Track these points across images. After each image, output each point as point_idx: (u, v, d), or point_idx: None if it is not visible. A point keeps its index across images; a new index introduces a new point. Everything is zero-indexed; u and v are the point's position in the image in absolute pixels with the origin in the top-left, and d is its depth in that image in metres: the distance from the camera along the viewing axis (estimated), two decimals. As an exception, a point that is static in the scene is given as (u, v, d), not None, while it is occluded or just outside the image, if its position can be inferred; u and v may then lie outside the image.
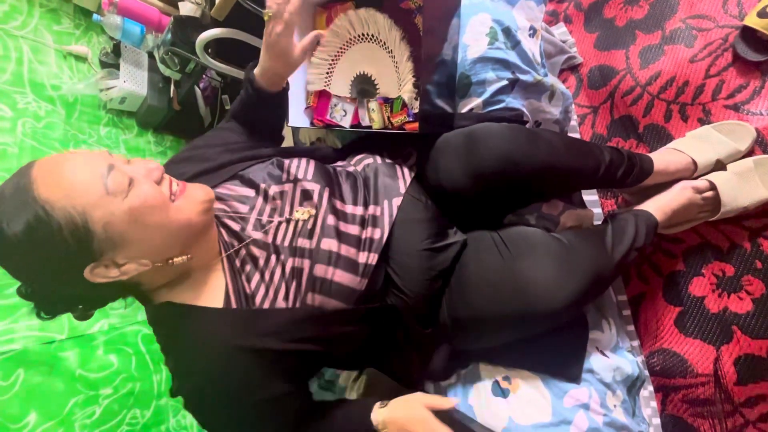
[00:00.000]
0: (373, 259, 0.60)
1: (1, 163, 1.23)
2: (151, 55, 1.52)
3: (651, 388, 0.87)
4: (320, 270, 0.57)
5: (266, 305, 0.55)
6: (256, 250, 0.58)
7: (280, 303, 0.55)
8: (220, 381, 0.51)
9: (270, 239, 0.59)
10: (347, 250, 0.59)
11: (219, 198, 0.62)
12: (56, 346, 1.18)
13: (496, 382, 0.69)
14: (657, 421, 0.85)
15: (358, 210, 0.64)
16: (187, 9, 1.27)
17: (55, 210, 0.43)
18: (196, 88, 1.57)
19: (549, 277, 0.60)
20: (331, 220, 0.61)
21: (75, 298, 0.54)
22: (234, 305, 0.54)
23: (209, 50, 1.18)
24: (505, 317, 0.62)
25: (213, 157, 0.67)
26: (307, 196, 0.62)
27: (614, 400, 0.70)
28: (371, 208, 0.64)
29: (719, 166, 0.81)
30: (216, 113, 1.69)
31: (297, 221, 0.60)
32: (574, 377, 0.67)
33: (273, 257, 0.57)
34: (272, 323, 0.54)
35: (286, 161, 0.66)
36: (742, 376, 0.78)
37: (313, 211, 0.61)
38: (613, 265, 0.69)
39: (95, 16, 1.35)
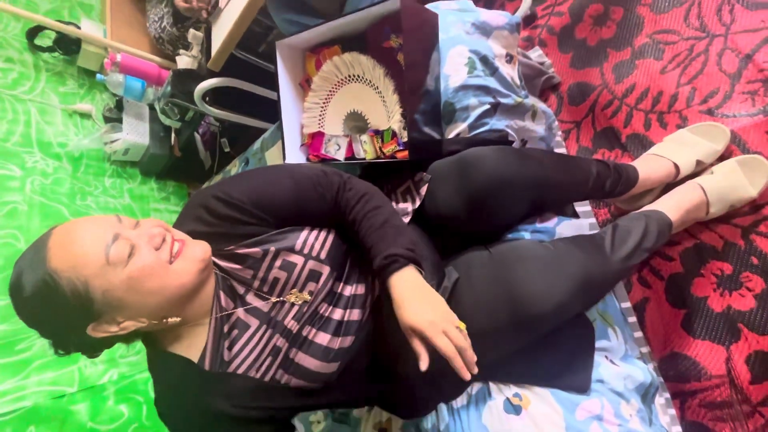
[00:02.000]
0: (349, 341, 0.63)
1: (12, 221, 1.27)
2: (152, 107, 1.60)
3: (667, 395, 0.86)
4: (293, 353, 0.60)
5: (239, 372, 0.58)
6: (251, 318, 0.59)
7: (251, 373, 0.59)
8: (184, 425, 0.58)
9: (267, 309, 0.60)
10: (322, 338, 0.61)
11: (229, 257, 0.60)
12: (67, 399, 1.18)
13: (508, 400, 0.69)
14: (678, 429, 0.83)
15: (354, 289, 0.65)
16: (184, 62, 1.35)
17: (61, 279, 0.48)
18: (196, 134, 1.64)
19: (536, 280, 0.61)
20: (322, 308, 0.62)
21: (82, 345, 0.57)
22: (207, 366, 0.57)
23: (207, 98, 1.25)
24: (501, 328, 0.63)
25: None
26: (313, 277, 0.60)
27: (629, 409, 0.69)
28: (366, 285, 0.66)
29: (700, 166, 0.84)
30: (215, 156, 1.75)
31: (291, 304, 0.61)
32: (583, 388, 0.67)
33: (264, 328, 0.60)
34: (234, 387, 0.57)
35: (305, 231, 0.62)
36: (755, 374, 0.78)
37: (308, 298, 0.60)
38: (612, 266, 0.70)
39: (99, 76, 1.43)
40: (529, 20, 1.20)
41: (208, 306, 0.58)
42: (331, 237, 0.63)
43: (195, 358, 0.57)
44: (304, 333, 0.61)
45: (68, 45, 1.56)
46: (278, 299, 0.60)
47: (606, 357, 0.74)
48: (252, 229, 0.58)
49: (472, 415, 0.72)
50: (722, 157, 0.85)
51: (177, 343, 0.58)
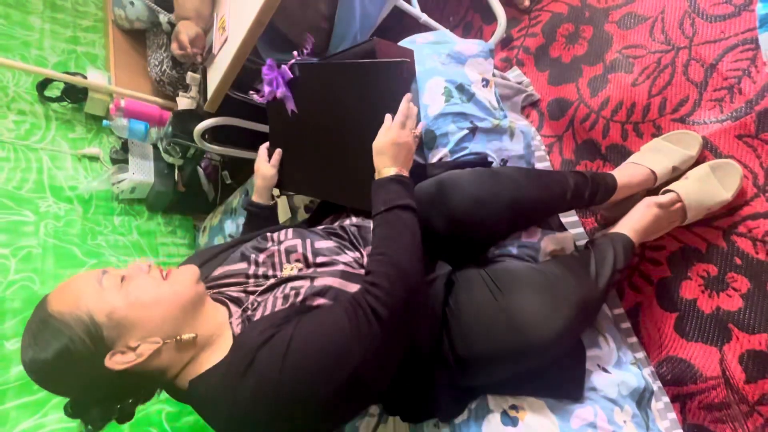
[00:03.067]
0: None
1: (28, 264, 1.33)
2: (155, 147, 1.68)
3: (666, 399, 0.87)
4: (320, 281, 0.62)
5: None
6: (260, 298, 0.64)
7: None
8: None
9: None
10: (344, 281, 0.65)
11: (219, 278, 0.69)
12: (84, 435, 1.21)
13: (504, 412, 0.71)
14: (679, 432, 0.84)
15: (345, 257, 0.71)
16: (184, 103, 1.43)
17: (65, 316, 0.51)
18: (199, 168, 1.71)
19: (538, 310, 0.64)
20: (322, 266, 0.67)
21: (110, 396, 0.57)
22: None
23: (206, 136, 1.32)
24: (502, 354, 0.65)
25: (208, 252, 0.78)
26: (290, 250, 0.70)
27: (623, 415, 0.71)
28: (352, 253, 0.71)
29: (677, 172, 0.88)
30: (218, 188, 1.82)
31: (289, 277, 0.66)
32: (577, 397, 0.69)
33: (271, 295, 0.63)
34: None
35: (269, 234, 0.76)
36: (750, 373, 0.79)
37: (301, 266, 0.67)
38: (599, 291, 0.73)
39: (105, 122, 1.52)
40: (506, 42, 1.26)
41: (221, 319, 0.60)
42: (290, 229, 0.76)
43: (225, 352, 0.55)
44: (307, 303, 0.61)
45: (76, 94, 1.66)
46: (274, 280, 0.65)
47: (598, 365, 0.76)
48: None
49: (473, 430, 0.74)
50: (697, 162, 0.88)
51: (207, 362, 0.55)
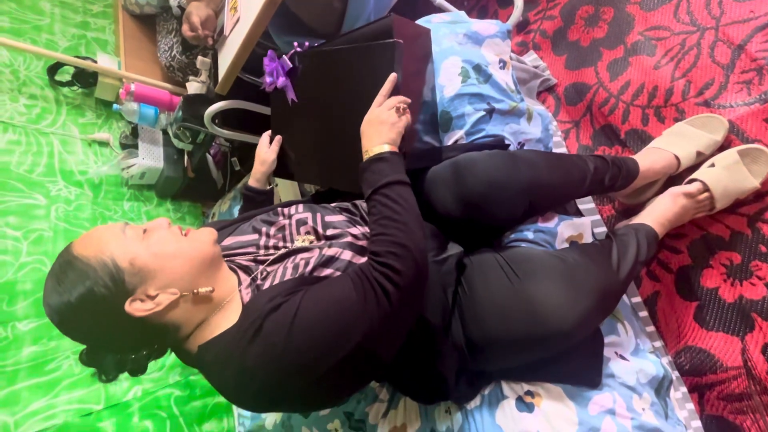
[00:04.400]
0: None
1: (39, 247, 1.34)
2: (165, 132, 1.67)
3: (684, 389, 0.85)
4: (330, 251, 0.62)
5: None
6: (269, 268, 0.64)
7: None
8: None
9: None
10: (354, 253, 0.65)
11: (230, 248, 0.69)
12: (94, 417, 1.22)
13: (520, 398, 0.70)
14: (697, 423, 0.82)
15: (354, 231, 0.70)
16: (194, 88, 1.42)
17: (90, 260, 0.53)
18: (208, 155, 1.70)
19: (557, 298, 0.62)
20: (325, 249, 0.65)
21: (125, 345, 0.59)
22: None
23: (216, 121, 1.31)
24: (518, 340, 0.64)
25: (220, 223, 0.79)
26: (301, 223, 0.70)
27: (642, 403, 0.69)
28: (361, 228, 0.70)
29: (701, 157, 0.85)
30: (227, 175, 1.81)
31: (299, 248, 0.66)
32: (595, 383, 0.67)
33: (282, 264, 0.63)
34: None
35: (280, 208, 0.76)
36: (773, 364, 0.77)
37: (312, 238, 0.67)
38: (620, 281, 0.71)
39: (114, 106, 1.51)
40: (522, 26, 1.23)
41: (234, 283, 0.61)
42: (301, 204, 0.76)
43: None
44: (315, 274, 0.61)
45: (86, 78, 1.65)
46: (285, 250, 0.66)
47: (616, 353, 0.74)
48: None
49: (485, 416, 0.73)
50: (722, 147, 0.85)
51: (218, 326, 0.56)
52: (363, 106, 0.72)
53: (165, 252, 0.55)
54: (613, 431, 0.63)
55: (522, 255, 0.71)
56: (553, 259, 0.70)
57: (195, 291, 0.56)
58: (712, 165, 0.84)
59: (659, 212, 0.82)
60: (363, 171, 0.65)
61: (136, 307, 0.53)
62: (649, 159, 0.86)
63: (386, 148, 0.65)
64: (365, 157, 0.66)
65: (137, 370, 0.62)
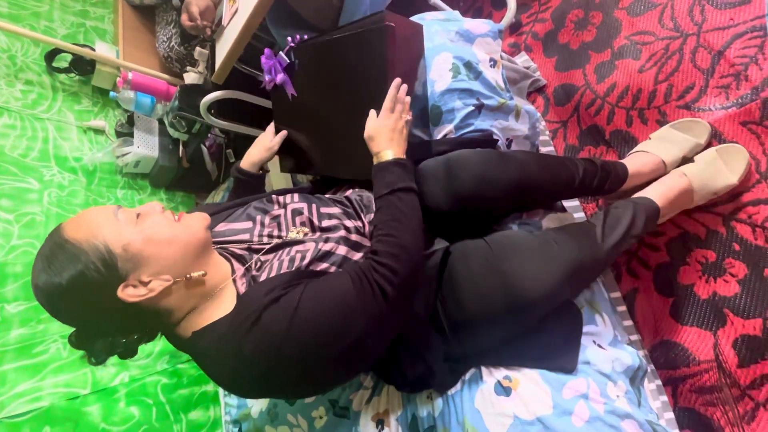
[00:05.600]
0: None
1: (30, 231, 1.34)
2: (161, 122, 1.68)
3: (659, 382, 0.88)
4: (326, 246, 0.64)
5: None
6: (264, 258, 0.65)
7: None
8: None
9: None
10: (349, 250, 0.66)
11: (224, 235, 0.69)
12: (80, 401, 1.22)
13: (498, 382, 0.72)
14: (670, 415, 0.85)
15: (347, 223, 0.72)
16: (191, 78, 1.43)
17: (82, 244, 0.52)
18: (203, 147, 1.71)
19: (532, 268, 0.65)
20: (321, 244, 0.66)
21: (116, 329, 0.59)
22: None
23: (212, 111, 1.32)
24: (496, 314, 0.67)
25: (212, 207, 0.79)
26: (296, 213, 0.71)
27: (616, 390, 0.72)
28: (354, 221, 0.72)
29: (686, 161, 0.88)
30: (222, 167, 1.82)
31: (294, 240, 0.66)
32: (570, 368, 0.69)
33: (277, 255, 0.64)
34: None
35: (274, 196, 0.77)
36: (742, 357, 0.79)
37: (307, 230, 0.68)
38: (603, 252, 0.73)
39: (111, 93, 1.52)
40: (515, 28, 1.27)
41: (227, 270, 0.61)
42: (296, 193, 0.77)
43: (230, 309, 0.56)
44: (312, 268, 0.62)
45: (83, 66, 1.66)
46: (279, 240, 0.66)
47: (594, 342, 0.77)
48: None
49: (465, 400, 0.75)
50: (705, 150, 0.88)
51: (212, 313, 0.57)
52: (359, 92, 0.74)
53: (159, 238, 0.55)
54: (585, 415, 0.65)
55: (502, 236, 0.74)
56: (530, 236, 0.72)
57: (188, 276, 0.56)
58: (693, 161, 0.87)
59: (666, 188, 0.83)
60: (380, 170, 0.68)
61: (129, 293, 0.53)
62: (639, 162, 0.89)
63: (402, 155, 0.69)
64: (378, 159, 0.69)
65: (127, 353, 0.61)
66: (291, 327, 0.51)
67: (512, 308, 0.65)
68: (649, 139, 0.94)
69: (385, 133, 0.70)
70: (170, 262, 0.55)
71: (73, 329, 0.58)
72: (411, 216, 0.64)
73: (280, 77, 0.93)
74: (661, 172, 0.89)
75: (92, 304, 0.53)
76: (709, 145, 0.88)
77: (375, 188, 0.68)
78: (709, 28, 0.90)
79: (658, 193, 0.83)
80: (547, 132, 1.13)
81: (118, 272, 0.52)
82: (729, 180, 0.82)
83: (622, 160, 0.91)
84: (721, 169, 0.83)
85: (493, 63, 0.95)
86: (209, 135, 1.72)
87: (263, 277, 0.60)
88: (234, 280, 0.60)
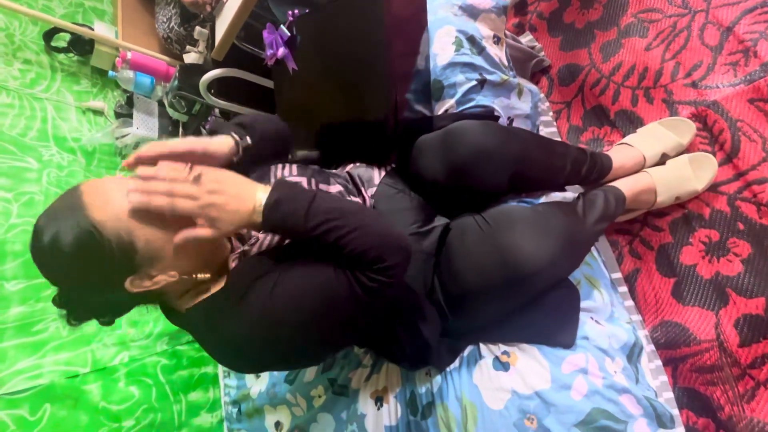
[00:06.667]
0: None
1: (29, 210, 1.34)
2: (160, 103, 1.67)
3: (659, 362, 0.88)
4: None
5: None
6: (261, 236, 0.64)
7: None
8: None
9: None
10: None
11: None
12: (80, 379, 1.23)
13: (497, 358, 0.72)
14: (669, 394, 0.85)
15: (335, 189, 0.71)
16: (191, 58, 1.42)
17: (106, 229, 0.49)
18: (202, 129, 1.69)
19: (527, 241, 0.64)
20: None
21: (107, 305, 0.59)
22: None
23: (212, 90, 1.31)
24: (495, 288, 0.66)
25: None
26: None
27: (614, 366, 0.71)
28: (357, 198, 0.71)
29: (664, 158, 0.89)
30: (222, 150, 1.81)
31: None
32: (569, 344, 0.69)
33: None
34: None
35: (272, 168, 0.73)
36: (744, 337, 0.79)
37: None
38: (586, 228, 0.75)
39: (110, 72, 1.50)
40: (520, 7, 1.24)
41: (225, 255, 0.62)
42: (294, 165, 0.75)
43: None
44: None
45: (82, 46, 1.64)
46: None
47: (591, 318, 0.76)
48: None
49: (463, 376, 0.75)
50: (687, 152, 0.88)
51: (204, 291, 0.58)
52: (359, 54, 0.74)
53: (188, 251, 0.54)
54: (584, 389, 0.65)
55: (498, 210, 0.74)
56: (524, 209, 0.72)
57: (194, 275, 0.57)
58: (663, 164, 0.88)
59: (630, 183, 0.87)
60: (275, 226, 0.54)
61: (135, 284, 0.52)
62: (622, 156, 0.89)
63: (261, 193, 0.54)
64: (259, 210, 0.53)
65: (107, 322, 0.61)
66: (272, 299, 0.53)
67: (510, 281, 0.65)
68: (637, 132, 0.93)
69: (234, 188, 0.54)
70: (183, 263, 0.55)
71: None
72: (350, 220, 0.54)
73: (282, 51, 0.92)
74: (640, 167, 0.90)
75: (93, 281, 0.52)
76: (691, 146, 0.89)
77: (299, 228, 0.53)
78: (719, 4, 0.88)
79: (623, 183, 0.87)
80: (551, 112, 1.12)
81: (133, 264, 0.52)
82: (694, 186, 0.85)
83: (607, 152, 0.91)
84: (688, 175, 0.85)
85: (497, 39, 0.93)
86: (209, 117, 1.71)
87: (254, 251, 0.60)
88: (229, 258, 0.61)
